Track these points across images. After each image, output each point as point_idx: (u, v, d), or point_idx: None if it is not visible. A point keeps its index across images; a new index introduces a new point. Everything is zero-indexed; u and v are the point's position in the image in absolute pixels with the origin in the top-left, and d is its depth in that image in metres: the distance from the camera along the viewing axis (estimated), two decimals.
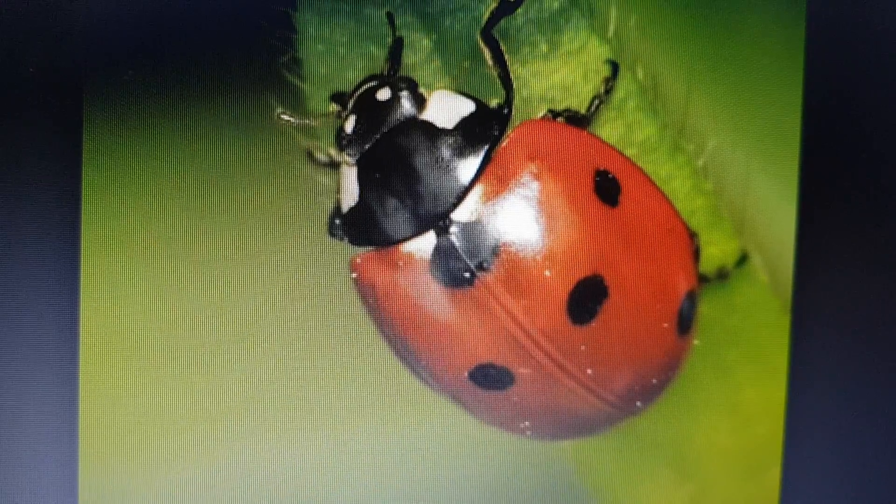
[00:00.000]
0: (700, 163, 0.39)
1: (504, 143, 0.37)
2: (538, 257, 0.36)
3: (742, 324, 0.40)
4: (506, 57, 0.37)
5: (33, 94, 0.39)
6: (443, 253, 0.36)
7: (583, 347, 0.37)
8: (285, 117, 0.38)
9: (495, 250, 0.36)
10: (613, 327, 0.37)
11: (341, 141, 0.37)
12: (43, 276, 0.39)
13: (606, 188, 0.37)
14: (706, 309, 0.39)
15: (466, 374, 0.38)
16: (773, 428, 0.40)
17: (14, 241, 0.39)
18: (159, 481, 0.39)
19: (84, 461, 0.39)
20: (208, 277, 0.39)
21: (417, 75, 0.38)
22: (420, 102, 0.37)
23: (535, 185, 0.36)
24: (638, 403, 0.39)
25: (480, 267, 0.36)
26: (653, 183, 0.38)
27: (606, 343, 0.37)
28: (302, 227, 0.38)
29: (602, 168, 0.37)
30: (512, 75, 0.37)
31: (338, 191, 0.38)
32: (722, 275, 0.40)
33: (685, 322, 0.38)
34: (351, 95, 0.38)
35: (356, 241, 0.38)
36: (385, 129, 0.37)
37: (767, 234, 0.40)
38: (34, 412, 0.39)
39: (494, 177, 0.36)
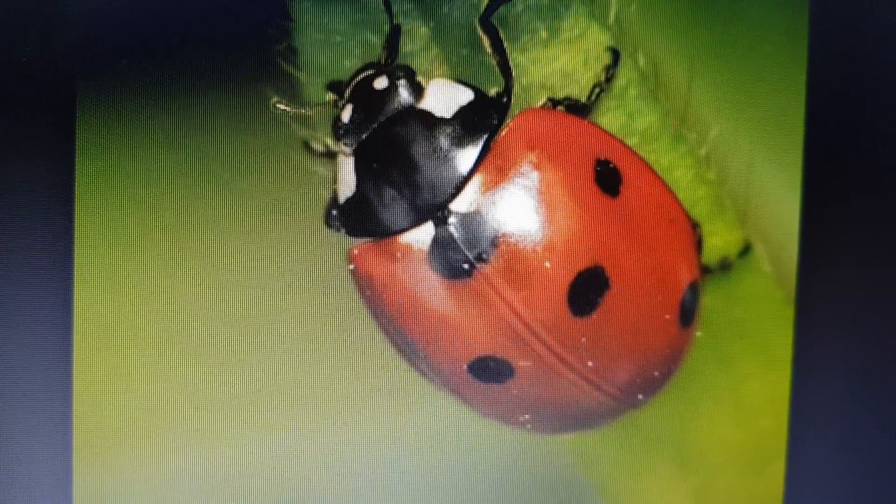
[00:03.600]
0: (702, 152, 0.39)
1: (503, 133, 0.36)
2: (538, 248, 0.36)
3: (745, 315, 0.40)
4: (505, 45, 0.37)
5: (26, 83, 0.39)
6: (441, 244, 0.36)
7: (583, 339, 0.37)
8: (281, 107, 0.38)
9: (494, 241, 0.36)
10: (614, 319, 0.37)
11: (338, 130, 0.37)
12: (36, 268, 0.39)
13: (607, 178, 0.36)
14: (709, 300, 0.39)
15: (465, 366, 0.37)
16: (777, 420, 0.40)
17: (7, 233, 0.39)
18: (153, 476, 0.39)
19: (78, 456, 0.39)
20: (203, 269, 0.39)
21: (415, 64, 0.38)
22: (418, 91, 0.37)
23: (534, 174, 0.36)
24: (640, 396, 0.39)
25: (479, 258, 0.36)
26: (654, 172, 0.38)
27: (607, 335, 0.37)
28: (298, 218, 0.38)
29: (603, 157, 0.37)
30: (511, 63, 0.37)
31: (335, 181, 0.38)
32: (725, 265, 0.40)
33: (687, 313, 0.38)
34: (348, 84, 0.38)
35: (353, 231, 0.38)
36: (382, 119, 0.37)
37: (771, 224, 0.39)
38: (28, 407, 0.39)
39: (494, 166, 0.36)
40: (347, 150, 0.37)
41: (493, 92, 0.37)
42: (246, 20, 0.38)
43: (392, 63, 0.37)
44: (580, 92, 0.38)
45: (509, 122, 0.36)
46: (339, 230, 0.38)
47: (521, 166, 0.36)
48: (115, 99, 0.39)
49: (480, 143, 0.36)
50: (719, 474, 0.40)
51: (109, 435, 0.39)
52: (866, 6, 0.40)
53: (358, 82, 0.37)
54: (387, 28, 0.38)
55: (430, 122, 0.36)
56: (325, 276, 0.38)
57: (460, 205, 0.36)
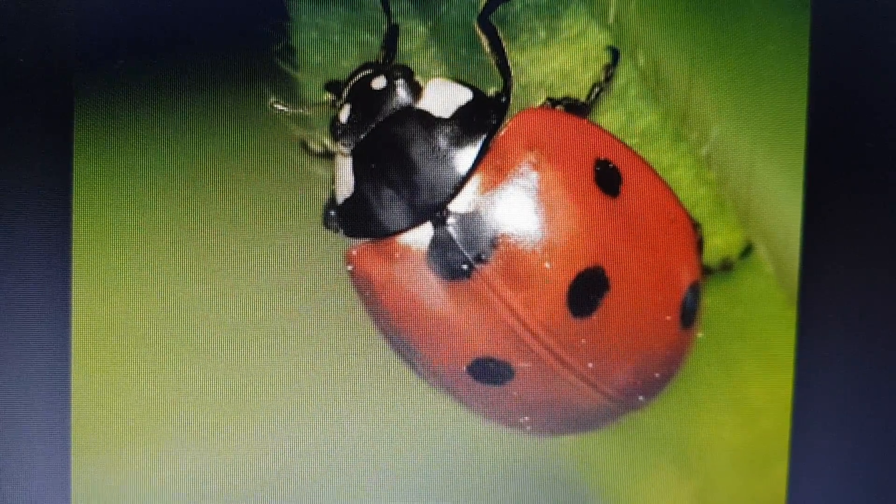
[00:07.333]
0: (703, 152, 0.38)
1: (502, 133, 0.36)
2: (538, 249, 0.35)
3: (747, 316, 0.39)
4: (503, 44, 0.37)
5: (23, 83, 0.39)
6: (440, 245, 0.36)
7: (583, 341, 0.36)
8: (279, 107, 0.38)
9: (494, 242, 0.36)
10: (615, 320, 0.36)
11: (336, 131, 0.37)
12: (34, 268, 0.39)
13: (607, 178, 0.36)
14: (710, 301, 0.39)
15: (465, 368, 0.37)
16: (780, 422, 0.39)
17: (4, 233, 0.39)
18: (151, 474, 0.39)
19: (77, 455, 0.39)
20: (201, 270, 0.38)
21: (413, 63, 0.37)
22: (416, 91, 0.37)
23: (534, 175, 0.36)
24: (640, 398, 0.38)
25: (479, 259, 0.36)
26: (655, 172, 0.37)
27: (608, 336, 0.37)
28: (296, 219, 0.38)
29: (603, 157, 0.36)
30: (510, 63, 0.37)
31: (333, 181, 0.38)
32: (726, 266, 0.39)
33: (688, 314, 0.38)
34: (345, 84, 0.37)
35: (351, 232, 0.38)
36: (380, 119, 0.36)
37: (773, 224, 0.39)
38: (26, 407, 0.39)
39: (492, 167, 0.36)
40: (345, 150, 0.37)
41: (491, 92, 0.37)
42: (243, 19, 0.38)
43: (390, 63, 0.37)
44: (579, 91, 0.37)
45: (508, 122, 0.36)
46: (336, 231, 0.38)
47: (520, 166, 0.36)
48: (113, 98, 0.39)
49: (479, 143, 0.36)
50: (721, 476, 0.40)
51: (108, 434, 0.39)
52: (868, 5, 0.39)
53: (356, 82, 0.37)
54: (385, 28, 0.37)
55: (429, 122, 0.36)
56: (322, 276, 0.38)
57: (459, 205, 0.36)
